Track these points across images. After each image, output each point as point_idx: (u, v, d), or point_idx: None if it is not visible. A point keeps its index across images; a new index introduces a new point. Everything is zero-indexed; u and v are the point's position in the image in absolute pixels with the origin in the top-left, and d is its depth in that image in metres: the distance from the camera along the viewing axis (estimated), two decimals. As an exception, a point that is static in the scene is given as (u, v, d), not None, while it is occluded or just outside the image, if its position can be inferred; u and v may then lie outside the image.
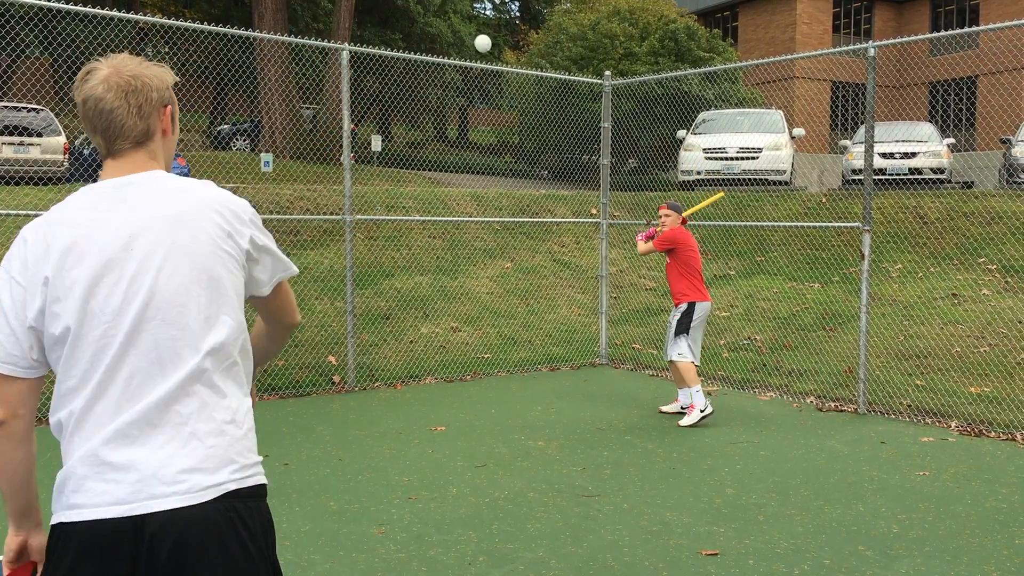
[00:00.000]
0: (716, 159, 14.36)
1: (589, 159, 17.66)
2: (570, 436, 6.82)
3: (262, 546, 1.82)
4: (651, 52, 24.46)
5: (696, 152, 14.54)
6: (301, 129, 22.75)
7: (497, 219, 11.42)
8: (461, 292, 10.97)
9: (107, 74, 1.84)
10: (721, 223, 10.83)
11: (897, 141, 13.96)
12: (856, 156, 13.93)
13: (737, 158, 14.29)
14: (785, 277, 12.14)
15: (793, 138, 14.76)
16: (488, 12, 40.15)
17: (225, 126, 23.73)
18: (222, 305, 1.82)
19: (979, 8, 29.30)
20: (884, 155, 13.78)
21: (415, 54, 10.83)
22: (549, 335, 10.58)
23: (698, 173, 14.43)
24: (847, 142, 14.99)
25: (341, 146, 9.77)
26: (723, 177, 14.24)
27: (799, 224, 10.16)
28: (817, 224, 8.99)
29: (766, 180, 14.24)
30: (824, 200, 13.37)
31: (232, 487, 1.78)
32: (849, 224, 8.63)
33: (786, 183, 14.49)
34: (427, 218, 10.92)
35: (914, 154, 13.86)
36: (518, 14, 42.58)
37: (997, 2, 28.60)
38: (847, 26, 31.39)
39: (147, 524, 1.71)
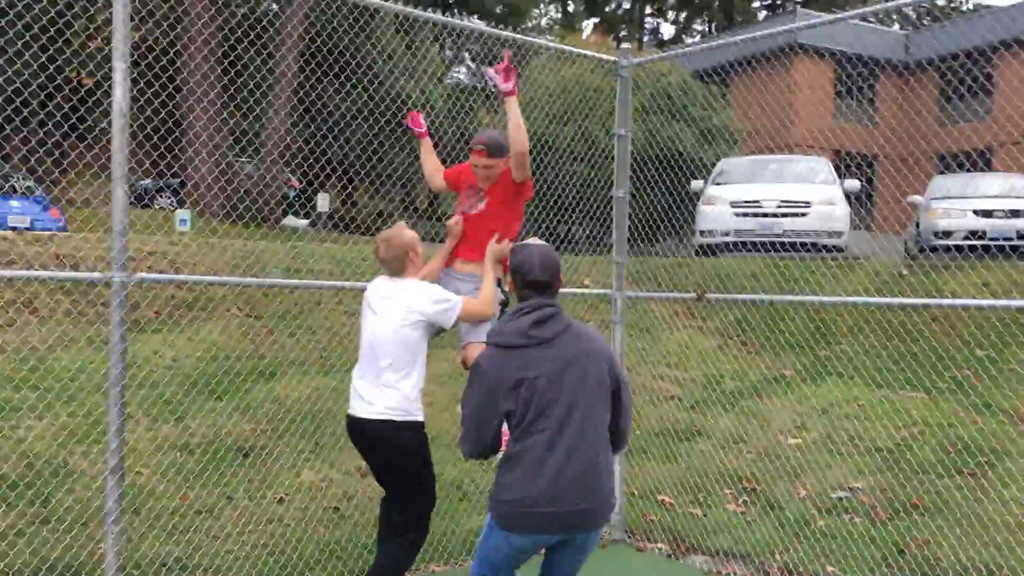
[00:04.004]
0: (749, 215, 10.33)
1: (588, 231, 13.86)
2: None
3: None
4: (641, 108, 20.69)
5: (721, 206, 10.49)
6: (237, 185, 18.65)
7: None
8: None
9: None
10: (763, 297, 6.63)
11: (994, 196, 10.01)
12: (940, 214, 9.96)
13: (778, 214, 10.27)
14: (867, 382, 7.98)
15: (847, 194, 10.77)
16: (462, 76, 36.67)
17: (147, 181, 19.58)
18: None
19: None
20: (981, 213, 9.85)
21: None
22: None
23: (724, 234, 10.37)
24: (918, 198, 11.04)
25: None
26: (759, 239, 10.16)
27: (887, 301, 5.98)
28: (918, 301, 4.78)
29: (816, 244, 10.19)
30: (904, 272, 9.30)
31: None
32: (959, 301, 4.45)
33: (841, 249, 10.46)
34: (341, 283, 6.68)
35: (1021, 212, 9.92)
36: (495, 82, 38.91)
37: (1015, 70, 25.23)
38: (849, 92, 27.99)
39: None
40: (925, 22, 39.29)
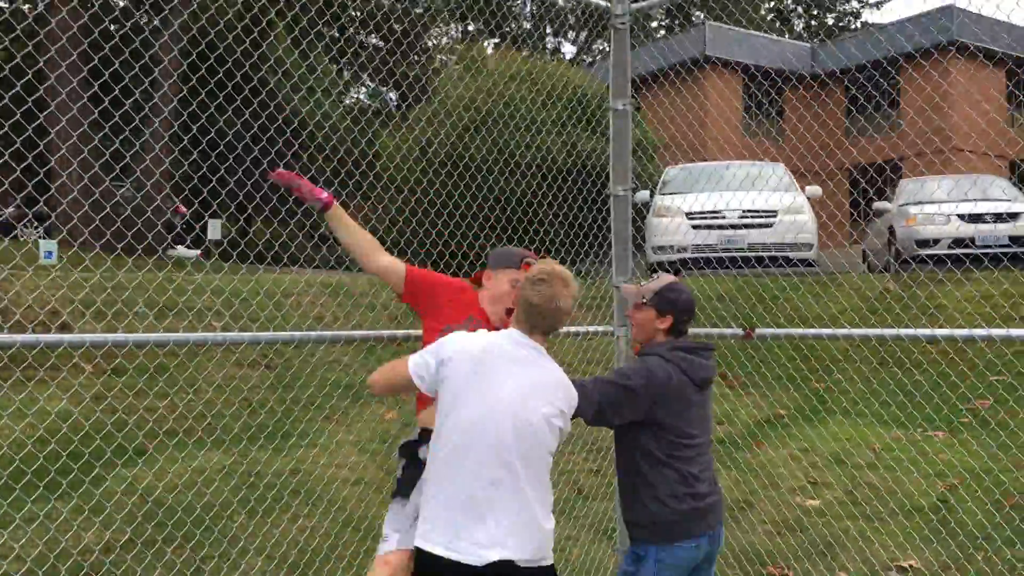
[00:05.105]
0: (709, 226, 8.99)
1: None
2: None
3: None
4: (557, 120, 19.43)
5: (676, 218, 9.12)
6: (114, 213, 16.45)
7: (371, 333, 5.48)
8: (291, 483, 4.96)
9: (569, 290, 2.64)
10: (821, 332, 5.17)
11: (980, 200, 8.89)
12: (921, 220, 8.82)
13: (741, 225, 8.95)
14: (875, 420, 6.67)
15: (809, 200, 9.56)
16: (362, 96, 34.89)
17: (9, 209, 17.20)
18: None
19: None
20: (967, 217, 8.76)
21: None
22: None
23: (681, 250, 8.99)
24: (887, 204, 9.90)
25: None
26: (722, 255, 8.82)
27: (901, 332, 4.64)
28: (954, 332, 3.42)
29: (787, 258, 8.91)
30: (890, 287, 8.08)
31: None
32: (997, 332, 3.20)
33: (812, 263, 9.22)
34: (230, 335, 4.92)
35: (1016, 215, 8.82)
36: (396, 102, 37.47)
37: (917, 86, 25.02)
38: (758, 105, 27.46)
39: None
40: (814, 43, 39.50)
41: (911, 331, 3.66)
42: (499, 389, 2.48)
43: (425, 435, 2.85)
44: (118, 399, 5.26)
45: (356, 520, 4.66)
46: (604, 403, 2.78)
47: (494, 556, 2.38)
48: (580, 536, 5.13)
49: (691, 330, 3.21)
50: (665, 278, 3.08)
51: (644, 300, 3.01)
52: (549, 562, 2.54)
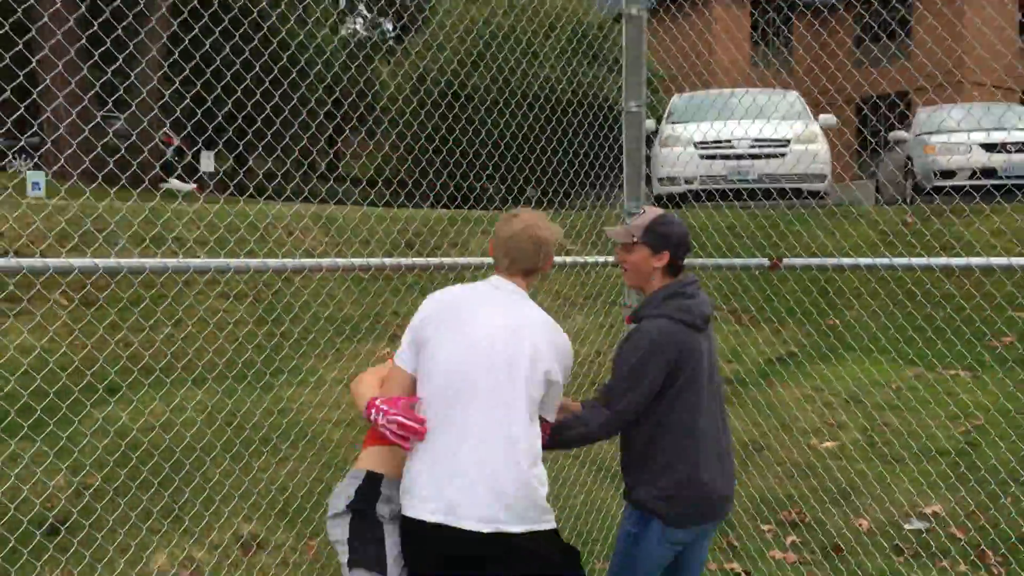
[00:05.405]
0: (718, 157, 8.51)
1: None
2: None
3: None
4: (559, 52, 18.78)
5: (685, 148, 8.64)
6: (106, 144, 15.90)
7: (356, 261, 5.11)
8: (273, 424, 4.63)
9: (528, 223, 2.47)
10: (849, 261, 4.74)
11: (998, 129, 8.41)
12: (941, 150, 8.35)
13: (751, 155, 8.48)
14: (892, 358, 6.33)
15: (823, 129, 9.07)
16: (358, 27, 33.96)
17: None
18: None
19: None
20: (987, 147, 8.29)
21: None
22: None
23: (688, 181, 8.53)
24: (904, 133, 9.40)
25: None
26: (732, 187, 8.38)
27: (913, 262, 4.23)
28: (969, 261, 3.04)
29: (798, 190, 8.46)
30: (909, 221, 7.66)
31: None
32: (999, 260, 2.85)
33: (824, 194, 8.78)
34: (206, 262, 4.51)
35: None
36: (393, 32, 36.55)
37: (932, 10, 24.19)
38: (766, 36, 26.63)
39: None
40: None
41: (934, 260, 3.31)
42: (474, 330, 2.29)
43: (370, 479, 2.38)
44: (89, 333, 4.91)
45: (343, 462, 4.34)
46: (618, 392, 2.50)
47: (478, 517, 2.15)
48: (585, 479, 4.83)
49: (714, 260, 2.84)
50: (652, 211, 2.75)
51: (635, 239, 2.66)
52: (546, 526, 2.23)
